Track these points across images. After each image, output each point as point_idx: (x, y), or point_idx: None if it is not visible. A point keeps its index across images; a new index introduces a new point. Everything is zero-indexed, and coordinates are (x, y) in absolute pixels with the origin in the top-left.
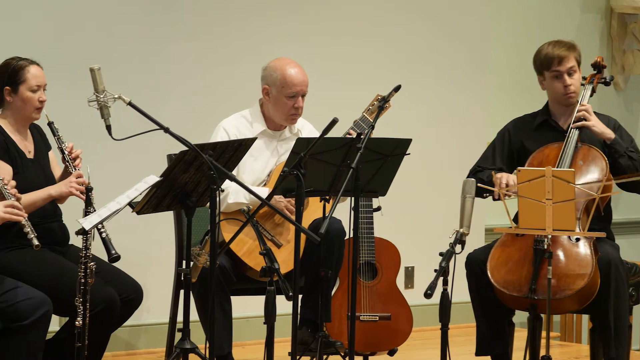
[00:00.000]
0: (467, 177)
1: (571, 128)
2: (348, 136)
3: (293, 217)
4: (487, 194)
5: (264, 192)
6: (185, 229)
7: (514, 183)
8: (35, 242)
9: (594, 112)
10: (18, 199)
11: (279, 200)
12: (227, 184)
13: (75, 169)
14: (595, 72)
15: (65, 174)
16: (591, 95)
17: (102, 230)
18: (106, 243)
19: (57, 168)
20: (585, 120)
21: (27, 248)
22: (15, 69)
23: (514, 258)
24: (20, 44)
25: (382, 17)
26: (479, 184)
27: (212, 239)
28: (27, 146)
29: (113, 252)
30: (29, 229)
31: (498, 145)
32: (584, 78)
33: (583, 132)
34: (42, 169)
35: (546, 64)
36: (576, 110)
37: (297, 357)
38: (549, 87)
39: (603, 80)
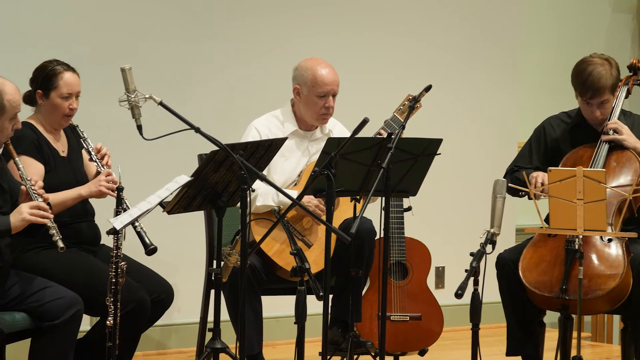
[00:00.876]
0: (504, 176)
1: (604, 132)
2: (379, 136)
3: (323, 218)
4: (523, 193)
5: (293, 194)
6: (215, 228)
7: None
8: (60, 244)
9: (629, 113)
10: (45, 200)
11: (310, 201)
12: (257, 185)
13: (103, 168)
14: (631, 74)
15: (97, 173)
16: (626, 97)
17: (136, 224)
18: (141, 236)
19: (90, 167)
20: (617, 133)
21: (50, 248)
22: (49, 74)
23: (546, 258)
24: (51, 44)
25: (414, 17)
26: (509, 184)
27: (242, 239)
28: (60, 145)
29: (149, 243)
30: (54, 231)
31: (534, 144)
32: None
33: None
34: (74, 168)
35: (580, 90)
36: (605, 124)
37: (328, 357)
38: (579, 103)
39: (638, 82)
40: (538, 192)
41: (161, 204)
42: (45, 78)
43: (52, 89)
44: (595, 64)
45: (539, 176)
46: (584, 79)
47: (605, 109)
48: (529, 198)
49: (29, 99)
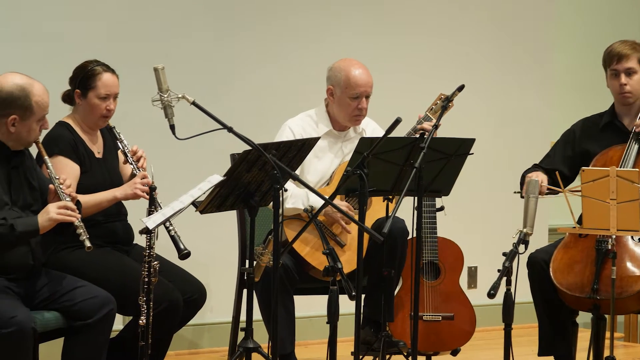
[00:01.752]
0: (523, 173)
1: (634, 131)
2: (413, 134)
3: (355, 217)
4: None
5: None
6: (248, 228)
7: (545, 184)
8: (87, 243)
9: None
10: (73, 200)
11: (340, 203)
12: (288, 186)
13: (139, 170)
14: None
15: (132, 175)
16: None
17: (170, 228)
18: (175, 240)
19: (125, 168)
20: None
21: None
22: (88, 74)
23: (577, 259)
24: (85, 45)
25: (446, 17)
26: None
27: (275, 238)
28: (96, 146)
29: (182, 248)
30: (81, 230)
31: (560, 146)
32: None
33: None
34: (109, 169)
35: (608, 61)
36: (638, 117)
37: (360, 356)
38: (609, 85)
39: None
40: (566, 191)
41: (194, 203)
42: (84, 78)
43: (90, 89)
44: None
45: (533, 175)
46: (609, 49)
47: (633, 80)
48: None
49: (67, 97)
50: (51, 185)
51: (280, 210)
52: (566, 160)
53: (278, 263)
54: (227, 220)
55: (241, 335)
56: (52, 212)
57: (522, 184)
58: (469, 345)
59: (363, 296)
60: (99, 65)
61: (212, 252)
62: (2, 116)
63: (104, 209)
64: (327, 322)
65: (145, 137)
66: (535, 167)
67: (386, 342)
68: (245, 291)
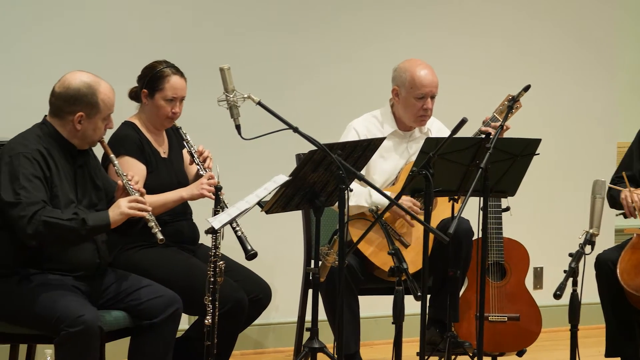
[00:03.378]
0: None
1: None
2: (480, 135)
3: (420, 217)
4: (620, 213)
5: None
6: (313, 228)
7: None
8: (160, 236)
9: None
10: (142, 194)
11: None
12: (352, 186)
13: (205, 171)
14: None
15: (198, 175)
16: None
17: (237, 228)
18: (242, 241)
19: (191, 167)
20: None
21: (156, 247)
22: (157, 75)
23: None
24: (151, 45)
25: (512, 17)
26: (611, 185)
27: (340, 239)
28: (161, 146)
29: (249, 248)
30: (153, 224)
31: (636, 149)
32: None
33: None
34: (175, 169)
35: None
36: None
37: (426, 357)
38: None
39: None
40: (635, 214)
41: (259, 203)
42: (152, 78)
43: (157, 91)
44: None
45: (628, 196)
46: None
47: None
48: (625, 217)
49: (134, 95)
50: (119, 182)
51: (346, 210)
52: None
53: (344, 263)
54: (293, 221)
55: (306, 335)
56: (123, 207)
57: (612, 196)
58: (535, 346)
59: (428, 296)
60: (169, 67)
61: (278, 252)
62: (69, 113)
63: (169, 209)
64: (392, 323)
65: (211, 137)
66: (617, 180)
67: (452, 342)
68: (310, 291)
